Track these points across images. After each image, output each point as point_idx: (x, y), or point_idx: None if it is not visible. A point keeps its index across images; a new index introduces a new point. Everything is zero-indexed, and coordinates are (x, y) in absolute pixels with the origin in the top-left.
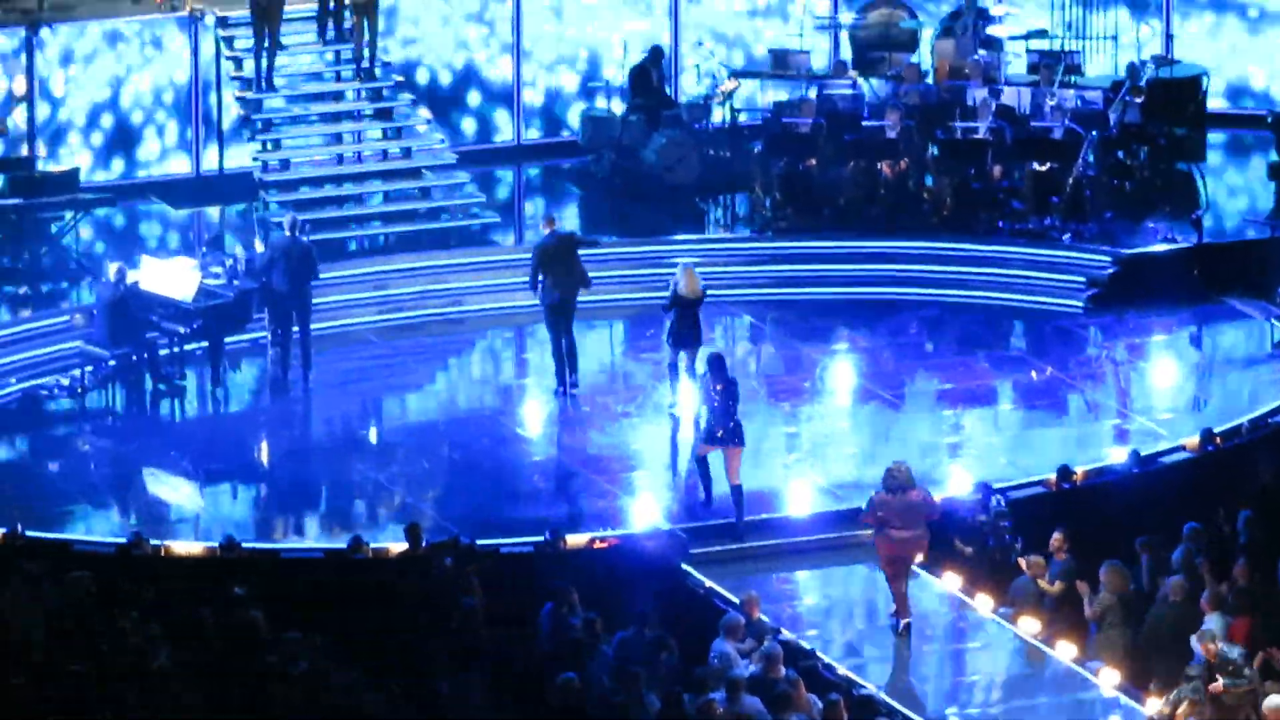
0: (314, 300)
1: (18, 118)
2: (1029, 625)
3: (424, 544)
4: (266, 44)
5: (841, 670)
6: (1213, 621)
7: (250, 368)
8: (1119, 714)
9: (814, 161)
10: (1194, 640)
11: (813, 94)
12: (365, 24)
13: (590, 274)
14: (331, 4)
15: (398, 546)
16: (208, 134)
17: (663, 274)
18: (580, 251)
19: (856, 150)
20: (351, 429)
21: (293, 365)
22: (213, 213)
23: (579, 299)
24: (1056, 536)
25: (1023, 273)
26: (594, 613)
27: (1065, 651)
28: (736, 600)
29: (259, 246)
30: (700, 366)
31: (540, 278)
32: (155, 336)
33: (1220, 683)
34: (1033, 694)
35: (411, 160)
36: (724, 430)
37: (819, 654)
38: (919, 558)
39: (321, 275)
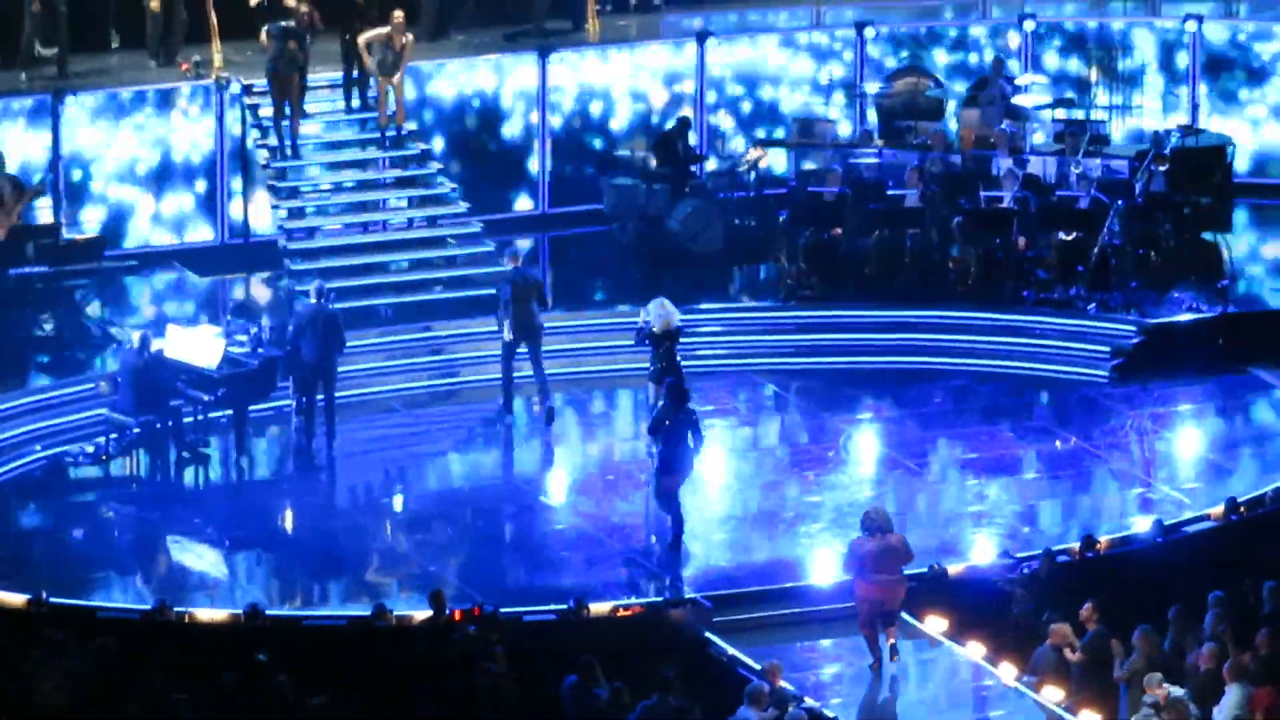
0: (339, 368)
1: (42, 187)
2: (1052, 694)
3: (447, 611)
4: (289, 111)
5: None
6: (1235, 691)
7: (274, 435)
8: None
9: (839, 230)
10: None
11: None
12: (390, 92)
13: (614, 342)
14: (356, 72)
15: (421, 614)
16: (232, 201)
17: (686, 342)
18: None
19: (882, 219)
20: (375, 497)
21: (317, 433)
22: (237, 280)
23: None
24: (1087, 607)
25: (1048, 342)
26: (618, 681)
27: None
28: (760, 668)
29: (283, 314)
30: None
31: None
32: (180, 404)
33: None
34: None
35: (436, 229)
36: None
37: None
38: (898, 604)
39: (348, 344)
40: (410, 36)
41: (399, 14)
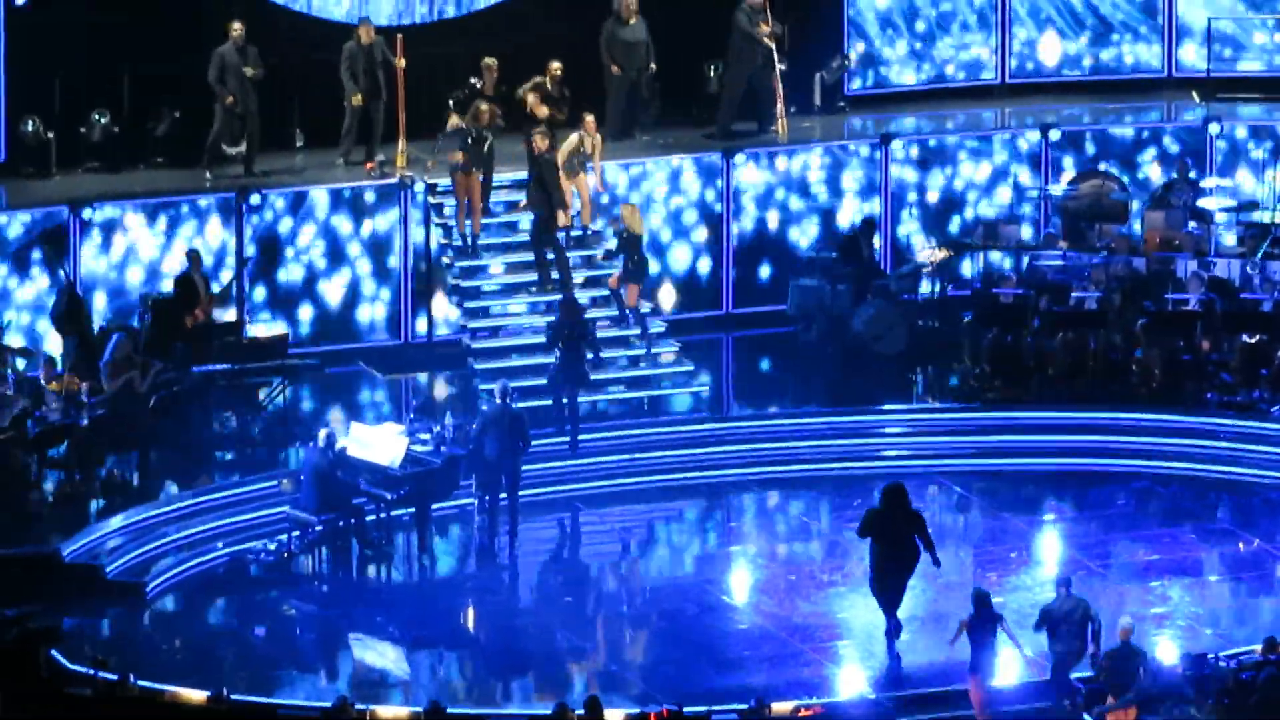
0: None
1: (227, 292)
2: None
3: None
4: (471, 208)
5: None
6: None
7: (457, 534)
8: None
9: (1023, 332)
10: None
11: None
12: (574, 190)
13: (795, 444)
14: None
15: (613, 714)
16: (416, 301)
17: (870, 443)
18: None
19: (1066, 321)
20: (557, 596)
21: (499, 532)
22: (421, 380)
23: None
24: None
25: (1231, 445)
26: None
27: None
28: None
29: (466, 413)
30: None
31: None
32: (363, 502)
33: None
34: None
35: (619, 329)
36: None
37: None
38: None
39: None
40: (599, 138)
41: (590, 118)
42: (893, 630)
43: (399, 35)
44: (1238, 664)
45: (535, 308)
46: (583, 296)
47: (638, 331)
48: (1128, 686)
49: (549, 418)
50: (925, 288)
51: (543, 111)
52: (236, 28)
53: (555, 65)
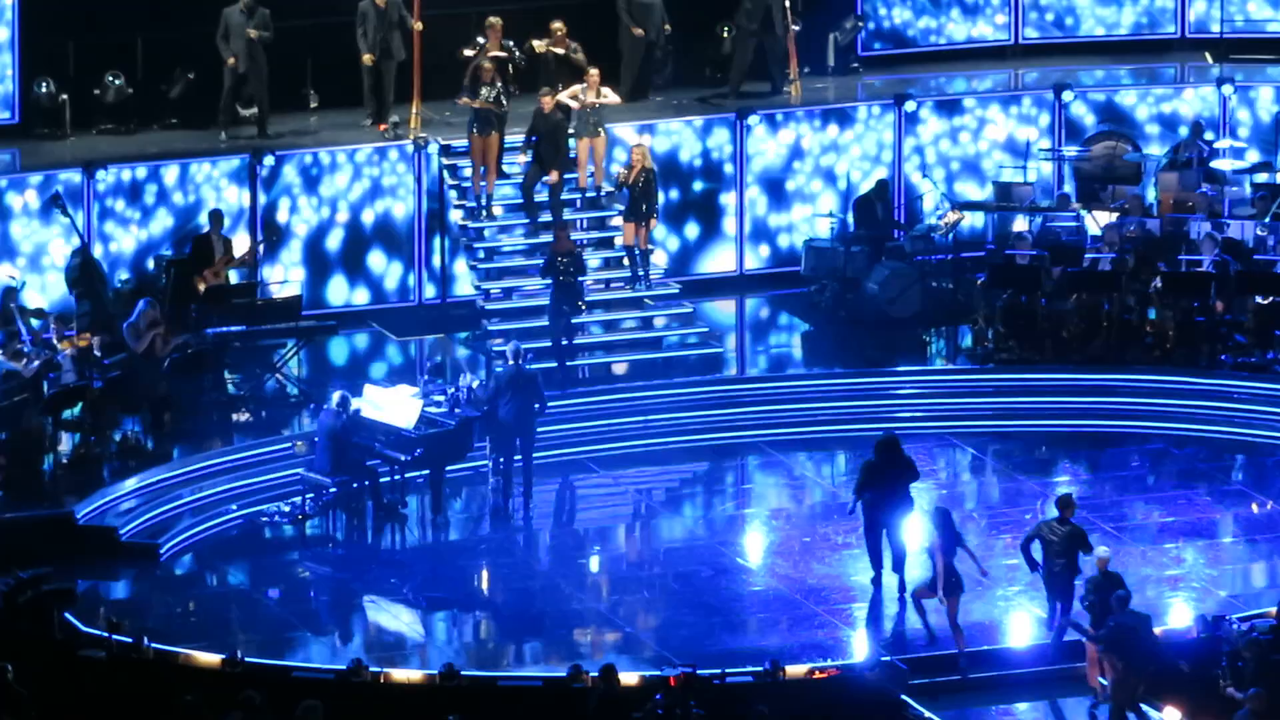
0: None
1: (252, 251)
2: None
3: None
4: (485, 171)
5: None
6: None
7: (472, 496)
8: None
9: (1037, 294)
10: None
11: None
12: (590, 152)
13: (809, 406)
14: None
15: (627, 676)
16: (430, 262)
17: (884, 404)
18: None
19: (1079, 283)
20: (572, 558)
21: (514, 494)
22: (435, 341)
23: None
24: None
25: (1245, 406)
26: None
27: None
28: None
29: (473, 383)
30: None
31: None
32: (377, 464)
33: None
34: None
35: (636, 290)
36: (946, 583)
37: None
38: None
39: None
40: (608, 94)
41: (594, 72)
42: (877, 580)
43: None
44: (1250, 626)
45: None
46: (594, 259)
47: (642, 272)
48: (1108, 615)
49: (558, 380)
50: (939, 249)
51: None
52: None
53: (557, 25)
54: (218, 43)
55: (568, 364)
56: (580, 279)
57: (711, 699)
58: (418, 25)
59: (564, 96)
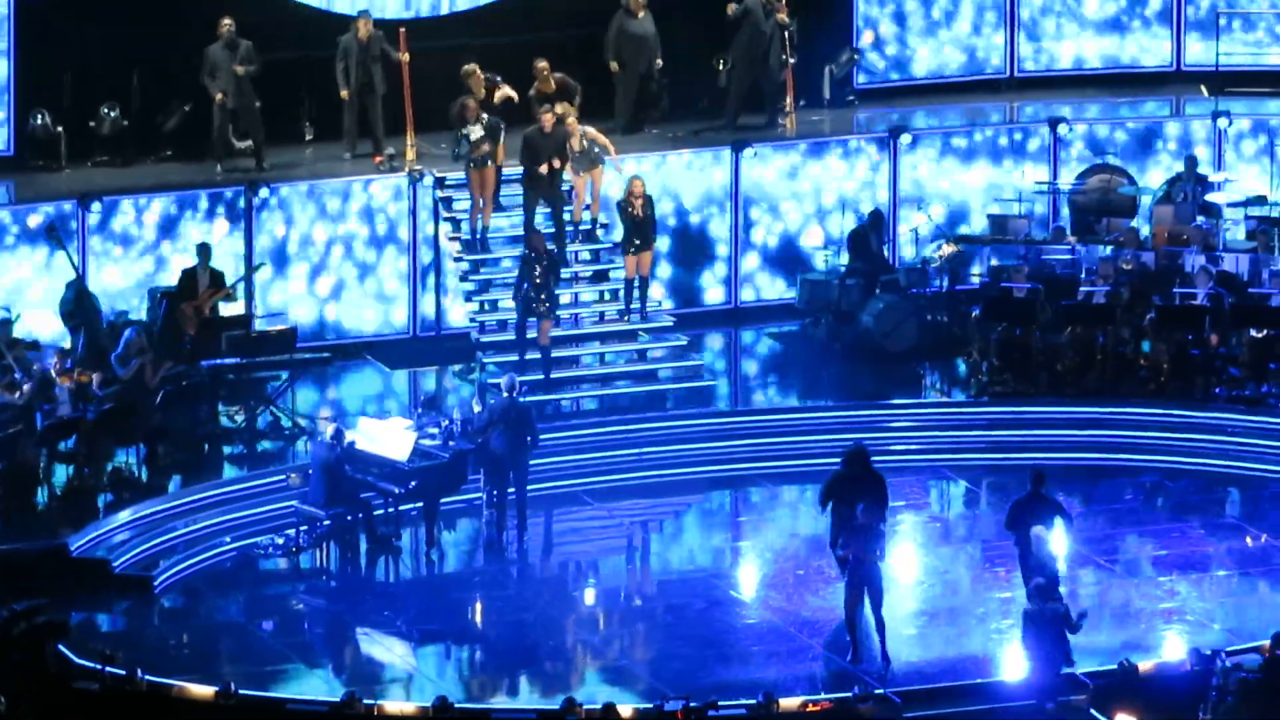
0: (530, 461)
1: (231, 291)
2: None
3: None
4: (483, 204)
5: None
6: None
7: (465, 528)
8: None
9: (1032, 327)
10: None
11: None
12: (589, 185)
13: (804, 439)
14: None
15: (622, 709)
16: (425, 294)
17: (878, 437)
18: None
19: (1074, 315)
20: (566, 590)
21: (508, 526)
22: (429, 373)
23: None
24: None
25: (1239, 439)
26: None
27: None
28: None
29: (476, 408)
30: None
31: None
32: (371, 496)
33: None
34: None
35: (631, 323)
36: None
37: None
38: None
39: (541, 439)
40: (592, 130)
41: (564, 112)
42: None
43: (401, 29)
44: (1236, 664)
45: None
46: (589, 293)
47: (638, 305)
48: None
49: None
50: (934, 282)
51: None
52: (226, 23)
53: (542, 64)
54: (204, 81)
55: (550, 375)
56: (552, 277)
57: None
58: (405, 57)
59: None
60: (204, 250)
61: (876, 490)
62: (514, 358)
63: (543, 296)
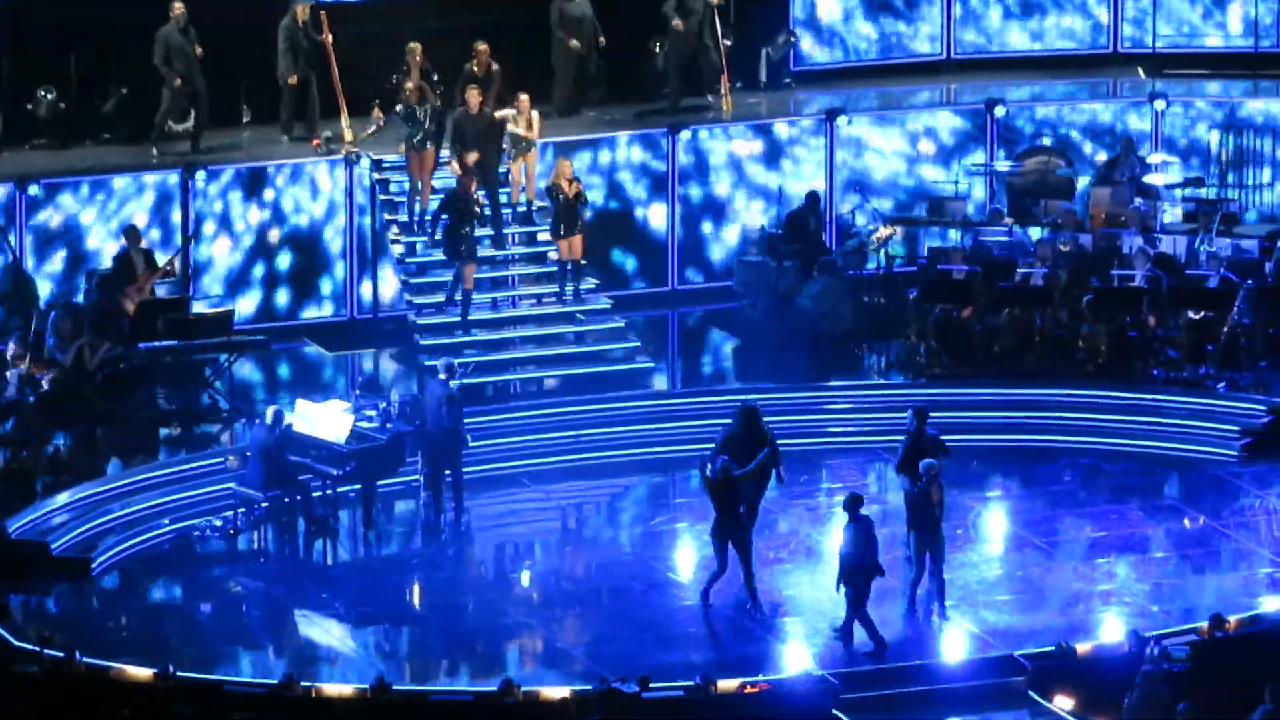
0: (467, 443)
1: (171, 267)
2: None
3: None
4: (420, 186)
5: None
6: None
7: (403, 510)
8: None
9: (969, 309)
10: None
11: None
12: (523, 167)
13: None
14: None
15: (548, 690)
16: (362, 277)
17: (817, 420)
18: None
19: (1011, 297)
20: (503, 572)
21: (445, 508)
22: (366, 356)
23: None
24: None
25: (1177, 421)
26: None
27: None
28: None
29: (413, 390)
30: None
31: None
32: (308, 479)
33: None
34: None
35: (566, 305)
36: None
37: None
38: None
39: (476, 418)
40: (537, 115)
41: (524, 97)
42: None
43: (322, 11)
44: (1162, 650)
45: (481, 285)
46: (527, 270)
47: (571, 288)
48: None
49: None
50: (871, 264)
51: (475, 100)
52: (178, 8)
53: (481, 46)
54: (158, 66)
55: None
56: (474, 223)
57: (641, 713)
58: (328, 38)
59: (501, 114)
60: (132, 233)
61: (758, 451)
62: (451, 339)
63: (465, 236)
